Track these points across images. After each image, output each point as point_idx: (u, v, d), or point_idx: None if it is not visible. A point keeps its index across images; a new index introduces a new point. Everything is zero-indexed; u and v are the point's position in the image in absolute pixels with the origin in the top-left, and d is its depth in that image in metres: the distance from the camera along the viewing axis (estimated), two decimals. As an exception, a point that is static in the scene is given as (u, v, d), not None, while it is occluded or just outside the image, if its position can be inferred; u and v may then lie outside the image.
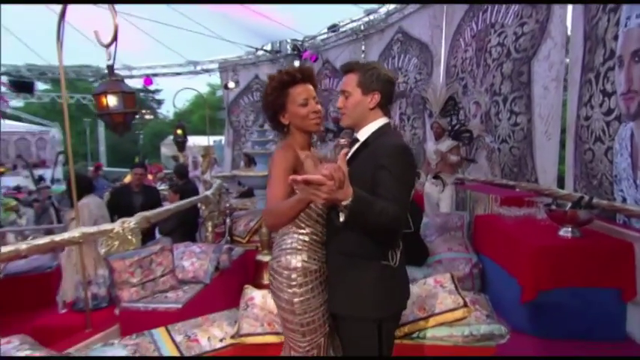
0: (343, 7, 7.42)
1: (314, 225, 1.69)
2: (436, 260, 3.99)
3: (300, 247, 1.67)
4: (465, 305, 2.29)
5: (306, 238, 1.68)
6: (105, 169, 14.95)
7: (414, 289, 2.54)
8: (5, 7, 8.04)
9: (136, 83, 12.58)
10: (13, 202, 7.09)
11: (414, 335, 2.27)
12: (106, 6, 2.48)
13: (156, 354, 2.21)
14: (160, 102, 26.92)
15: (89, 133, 21.57)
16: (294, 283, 1.63)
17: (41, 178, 11.39)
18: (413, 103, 6.80)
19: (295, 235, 1.68)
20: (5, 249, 2.53)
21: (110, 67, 2.43)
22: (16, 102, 19.22)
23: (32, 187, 10.71)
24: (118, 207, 4.51)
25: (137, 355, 2.20)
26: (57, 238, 2.62)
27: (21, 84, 12.03)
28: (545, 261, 3.02)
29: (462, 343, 2.22)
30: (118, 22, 2.26)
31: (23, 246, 2.49)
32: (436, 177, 4.91)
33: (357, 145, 1.69)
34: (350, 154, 1.69)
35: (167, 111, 28.24)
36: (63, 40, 2.55)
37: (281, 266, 1.66)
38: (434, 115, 4.89)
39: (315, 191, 1.23)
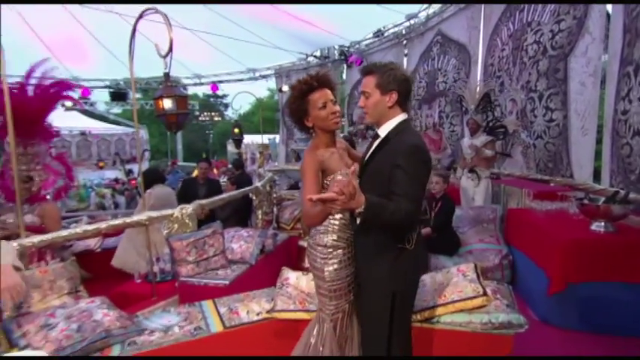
0: (386, 13, 7.21)
1: (342, 211, 1.74)
2: (467, 251, 3.81)
3: (330, 229, 1.79)
4: (485, 294, 2.15)
5: (337, 222, 1.79)
6: (180, 163, 15.88)
7: (438, 277, 2.45)
8: (103, 26, 8.66)
9: (204, 89, 13.20)
10: (104, 191, 7.74)
11: (434, 320, 2.18)
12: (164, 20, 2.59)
13: (202, 322, 2.29)
14: (226, 105, 28.00)
15: (169, 133, 22.93)
16: (324, 256, 1.78)
17: (130, 171, 12.33)
18: (451, 101, 6.49)
19: (327, 220, 1.78)
20: (90, 227, 2.77)
21: (166, 75, 2.57)
22: (117, 109, 20.99)
23: (125, 178, 11.64)
24: (186, 196, 4.74)
25: (187, 321, 2.31)
26: (128, 219, 2.83)
27: (118, 94, 13.03)
28: (575, 254, 2.77)
29: (480, 330, 2.10)
30: (172, 36, 2.38)
31: (103, 225, 2.72)
32: (471, 171, 4.65)
33: (378, 141, 1.72)
34: (372, 149, 1.75)
35: (232, 113, 29.34)
36: (134, 53, 2.72)
37: (315, 243, 1.82)
38: (469, 111, 4.62)
39: (331, 205, 1.35)
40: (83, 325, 2.07)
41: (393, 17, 7.56)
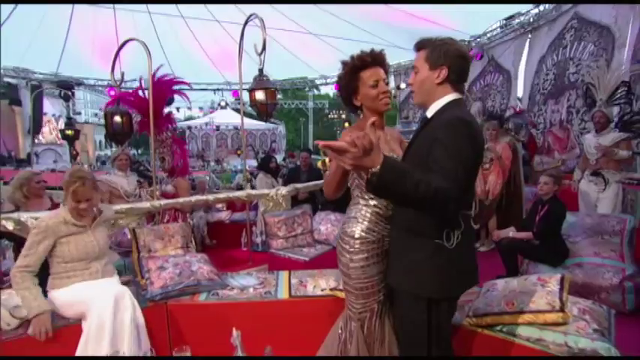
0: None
1: (378, 198, 1.56)
2: (575, 263, 3.11)
3: (361, 219, 1.57)
4: (562, 310, 1.72)
5: (369, 210, 1.57)
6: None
7: (512, 283, 2.07)
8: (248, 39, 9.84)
9: (331, 89, 13.73)
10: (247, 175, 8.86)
11: (497, 328, 1.85)
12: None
13: (273, 289, 2.43)
14: (353, 104, 28.63)
15: (302, 129, 24.71)
16: (351, 249, 1.56)
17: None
18: (584, 94, 5.27)
19: (359, 206, 1.60)
20: (200, 197, 3.20)
21: (260, 71, 2.77)
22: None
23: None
24: (290, 180, 5.09)
25: (262, 285, 2.48)
26: (231, 194, 3.18)
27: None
28: None
29: (552, 351, 1.69)
30: (266, 36, 2.55)
31: (211, 197, 3.12)
32: (595, 174, 3.73)
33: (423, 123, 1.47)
34: (415, 132, 1.50)
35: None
36: (242, 57, 3.00)
37: (344, 232, 1.61)
38: (598, 103, 3.67)
39: (342, 157, 1.10)
40: (183, 272, 2.43)
41: (518, 6, 6.52)
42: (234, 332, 1.45)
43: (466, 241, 1.38)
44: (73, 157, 8.85)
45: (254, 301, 2.28)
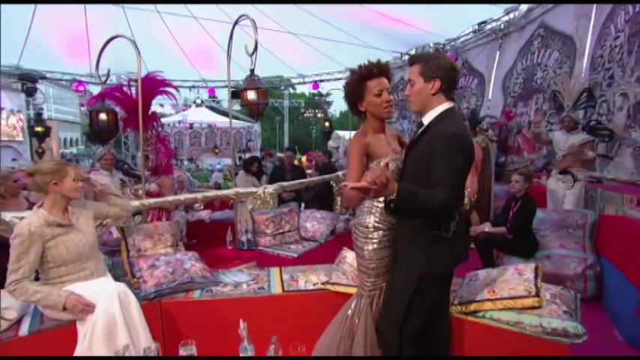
0: (484, 7, 6.59)
1: (377, 197, 1.72)
2: (545, 255, 3.38)
3: (373, 210, 1.79)
4: (537, 295, 1.92)
5: (379, 205, 1.76)
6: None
7: (492, 273, 2.27)
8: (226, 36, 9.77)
9: (307, 88, 13.81)
10: (226, 173, 8.76)
11: (480, 314, 2.03)
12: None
13: (266, 284, 2.51)
14: (329, 103, 28.86)
15: (278, 128, 24.62)
16: (365, 236, 1.80)
17: (240, 158, 13.64)
18: (550, 99, 5.67)
19: (371, 200, 1.81)
20: (189, 195, 3.22)
21: (252, 71, 2.83)
22: (237, 106, 23.35)
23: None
24: (275, 179, 5.15)
25: (254, 281, 2.55)
26: (219, 193, 3.22)
27: (236, 93, 14.48)
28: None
29: (529, 333, 1.88)
30: (257, 37, 2.61)
31: (199, 196, 3.14)
32: (564, 172, 4.04)
33: (421, 130, 1.66)
34: (414, 137, 1.71)
35: (334, 110, 30.15)
36: (231, 55, 3.04)
37: (358, 223, 1.84)
38: (566, 108, 3.98)
39: (367, 193, 1.36)
40: (176, 270, 2.46)
41: (491, 12, 6.89)
42: (241, 324, 1.52)
43: (459, 227, 1.65)
44: (39, 155, 8.41)
45: (249, 297, 2.35)
